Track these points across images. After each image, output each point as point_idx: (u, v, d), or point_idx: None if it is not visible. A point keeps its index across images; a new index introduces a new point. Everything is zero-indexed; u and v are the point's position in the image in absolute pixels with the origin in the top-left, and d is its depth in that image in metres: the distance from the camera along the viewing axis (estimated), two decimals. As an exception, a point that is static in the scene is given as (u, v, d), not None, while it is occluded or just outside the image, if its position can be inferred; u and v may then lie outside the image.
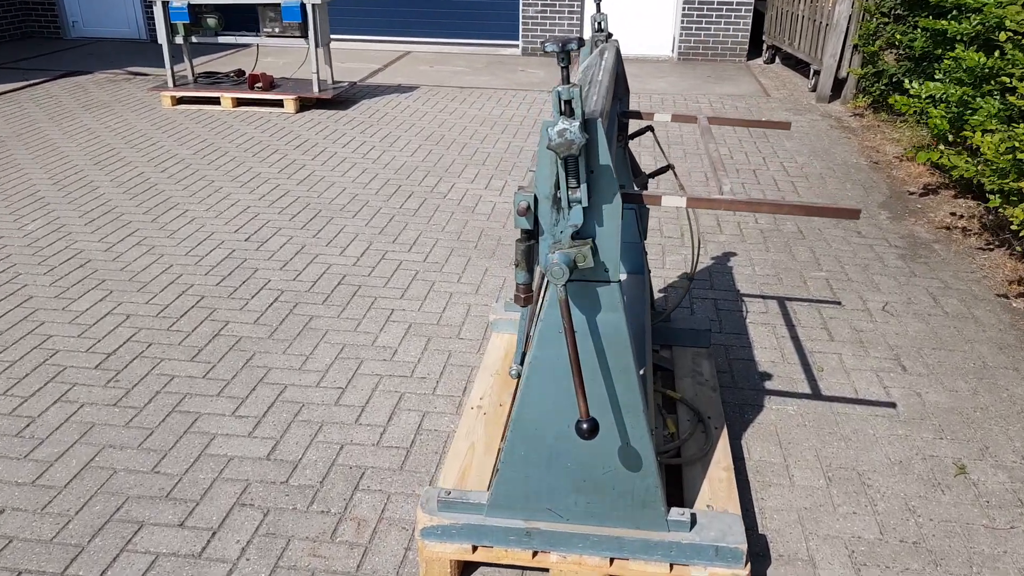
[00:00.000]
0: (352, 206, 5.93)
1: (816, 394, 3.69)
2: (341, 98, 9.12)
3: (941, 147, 5.89)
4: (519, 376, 2.44)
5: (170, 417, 3.47)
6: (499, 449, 2.96)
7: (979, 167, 5.20)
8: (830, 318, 4.39)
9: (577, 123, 1.86)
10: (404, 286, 4.69)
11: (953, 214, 5.83)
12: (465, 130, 7.94)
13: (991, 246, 5.28)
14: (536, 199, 2.08)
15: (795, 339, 4.17)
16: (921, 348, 4.10)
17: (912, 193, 6.31)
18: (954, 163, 5.56)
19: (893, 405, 3.62)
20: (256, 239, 5.33)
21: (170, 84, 8.79)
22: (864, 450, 3.31)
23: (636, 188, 3.38)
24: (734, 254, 5.19)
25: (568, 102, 1.89)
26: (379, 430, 3.39)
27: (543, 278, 2.54)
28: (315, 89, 8.59)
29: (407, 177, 6.55)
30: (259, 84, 8.73)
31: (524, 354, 2.49)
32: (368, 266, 4.95)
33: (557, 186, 2.05)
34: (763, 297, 4.61)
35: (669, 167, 3.38)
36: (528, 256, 2.14)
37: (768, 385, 3.76)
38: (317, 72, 8.52)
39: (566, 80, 1.88)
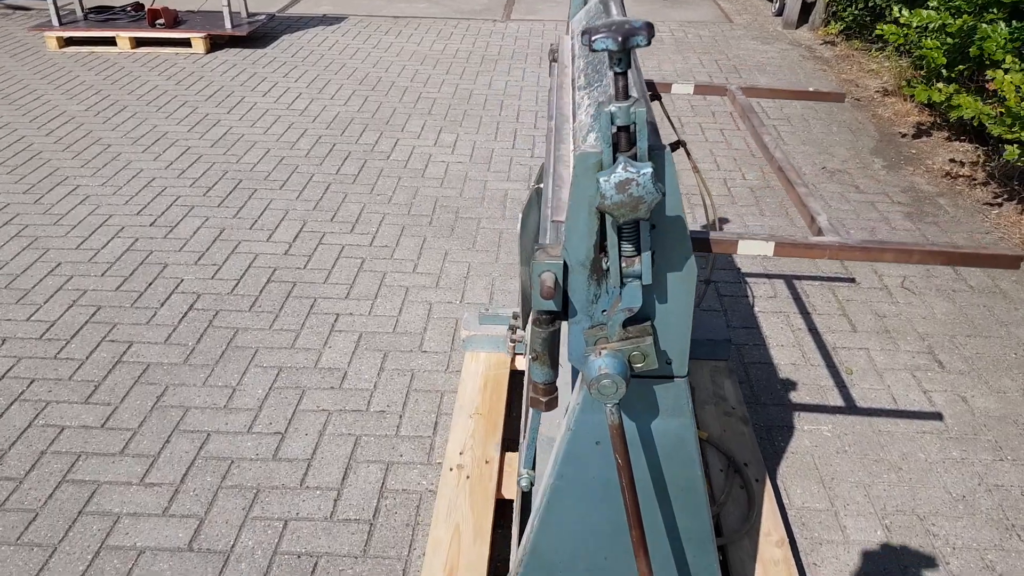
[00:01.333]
0: (279, 173, 5.04)
1: (851, 406, 3.13)
2: (258, 34, 7.99)
3: (940, 85, 5.29)
4: (530, 488, 1.76)
5: (58, 491, 2.69)
6: (492, 535, 2.30)
7: (996, 112, 4.63)
8: (846, 300, 3.82)
9: (646, 170, 1.13)
10: (348, 280, 3.92)
11: (952, 160, 5.29)
12: (404, 70, 6.99)
13: (999, 199, 4.77)
14: (565, 266, 1.36)
15: (813, 331, 3.58)
16: (954, 336, 3.57)
17: (903, 135, 5.74)
18: (957, 103, 4.98)
19: (939, 416, 3.09)
20: (164, 223, 4.43)
21: (55, 22, 7.52)
22: (920, 484, 2.77)
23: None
24: (726, 220, 4.55)
25: (626, 131, 1.16)
26: (332, 495, 2.69)
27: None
28: (227, 24, 7.46)
29: (342, 133, 5.65)
30: (161, 20, 7.55)
31: (534, 450, 1.80)
32: (303, 254, 4.14)
33: (600, 249, 1.33)
34: (767, 276, 4.00)
35: (680, 144, 2.66)
36: (552, 346, 1.44)
37: (794, 397, 3.18)
38: (228, 3, 7.38)
39: (623, 95, 1.15)
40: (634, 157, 1.18)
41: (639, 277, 1.29)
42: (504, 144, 5.50)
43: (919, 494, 2.73)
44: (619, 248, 1.26)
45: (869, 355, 3.44)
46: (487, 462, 2.58)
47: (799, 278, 3.99)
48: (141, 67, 7.00)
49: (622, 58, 1.12)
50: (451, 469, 2.55)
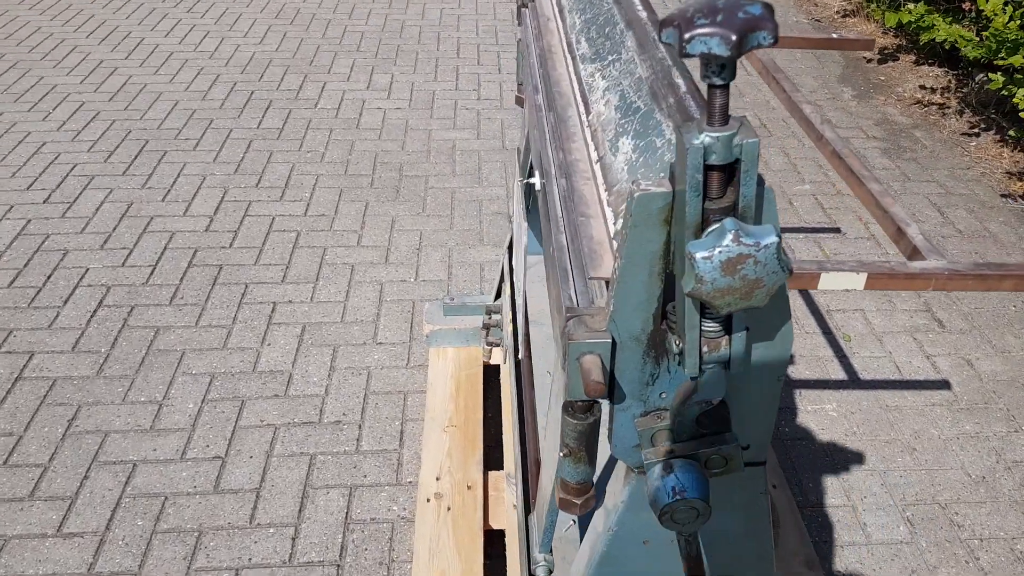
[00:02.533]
0: (191, 130, 4.42)
1: (854, 379, 2.87)
2: (154, -38, 7.08)
3: (910, 6, 4.96)
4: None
5: (-47, 557, 2.24)
6: (485, 584, 1.97)
7: (973, 35, 4.32)
8: (834, 254, 3.54)
9: (770, 239, 0.73)
10: (283, 260, 3.43)
11: (923, 87, 5.01)
12: (326, 0, 6.28)
13: (976, 130, 4.52)
14: (614, 344, 0.96)
15: (803, 291, 3.30)
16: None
17: (869, 60, 5.42)
18: (930, 24, 4.67)
19: (947, 385, 2.86)
20: (60, 199, 3.82)
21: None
22: (937, 466, 2.54)
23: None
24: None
25: (720, 171, 0.76)
26: (288, 532, 2.31)
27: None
28: (116, -47, 6.55)
29: (260, 78, 5.02)
30: (37, -51, 6.58)
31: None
32: (227, 230, 3.61)
33: (663, 319, 0.94)
34: (747, 229, 3.67)
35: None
36: (590, 440, 1.06)
37: (793, 372, 2.90)
38: (115, -71, 6.46)
39: (721, 118, 0.74)
40: (730, 210, 0.78)
41: (726, 364, 0.91)
42: (446, 85, 4.96)
43: (937, 478, 2.51)
44: (699, 323, 0.87)
45: (865, 317, 3.17)
46: (469, 487, 2.22)
47: (782, 229, 3.69)
48: (18, 5, 6.10)
49: (726, 65, 0.71)
50: (428, 500, 2.19)
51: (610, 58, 1.29)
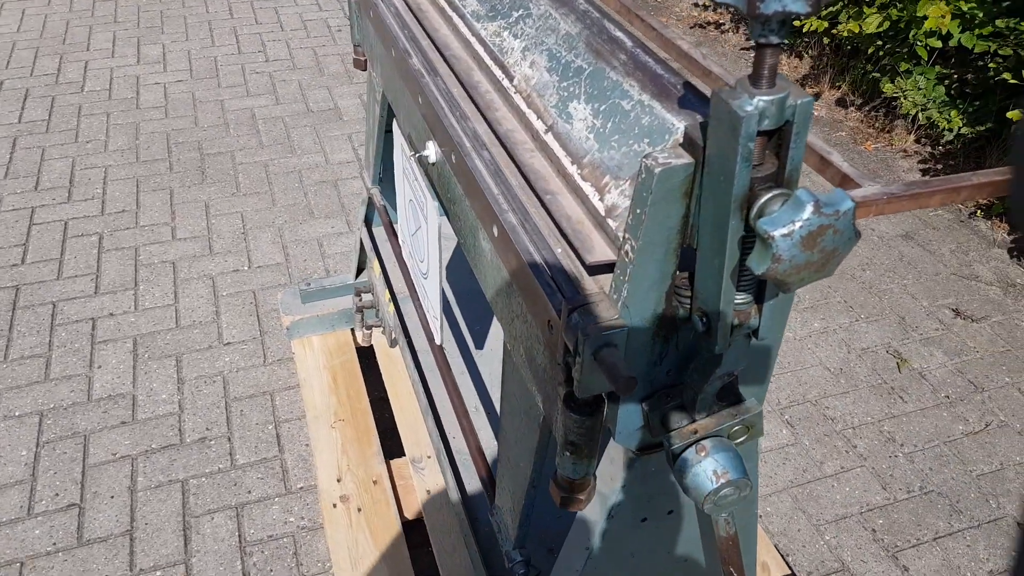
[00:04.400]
0: (-73, 131, 3.69)
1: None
2: None
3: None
4: None
5: None
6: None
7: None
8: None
9: (847, 205, 0.67)
10: (90, 269, 2.99)
11: (697, 5, 5.27)
12: (59, -38, 5.43)
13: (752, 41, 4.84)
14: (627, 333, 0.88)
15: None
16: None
17: (649, -15, 5.61)
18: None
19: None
20: None
21: None
22: (799, 366, 2.76)
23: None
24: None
25: (767, 136, 0.70)
26: (179, 571, 2.06)
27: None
28: None
29: (6, 64, 4.27)
30: None
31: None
32: (14, 244, 3.08)
33: (678, 294, 0.87)
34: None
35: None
36: (596, 435, 0.98)
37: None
38: None
39: (770, 79, 0.67)
40: (773, 177, 0.72)
41: (753, 330, 0.86)
42: (227, 50, 4.50)
43: (803, 377, 2.72)
44: (729, 293, 0.81)
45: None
46: (375, 482, 2.08)
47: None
48: None
49: (786, 23, 0.63)
50: (334, 505, 2.03)
51: (515, 14, 1.18)
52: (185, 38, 4.59)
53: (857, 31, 3.49)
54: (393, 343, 2.20)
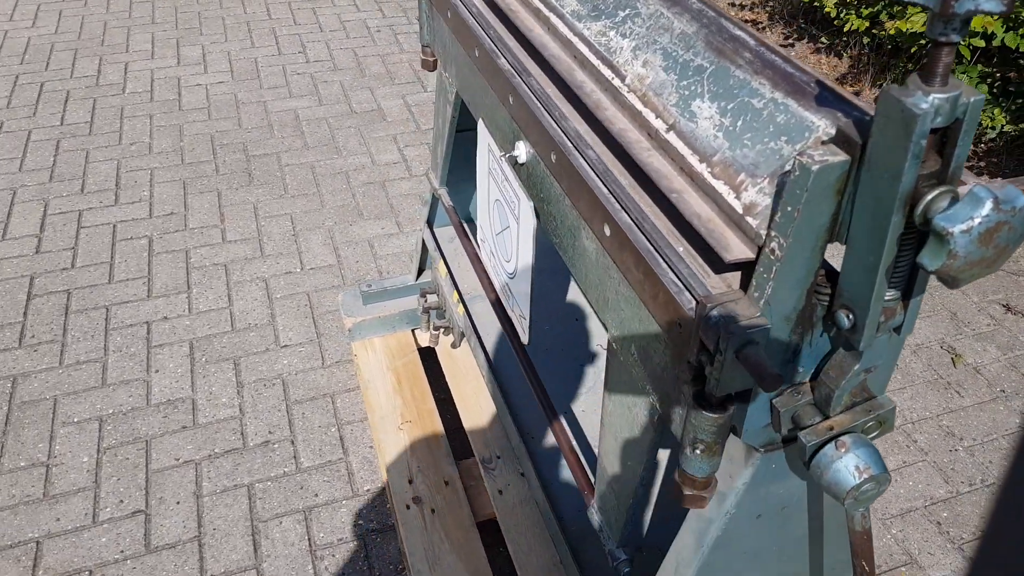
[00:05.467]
0: (-24, 138, 3.73)
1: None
2: None
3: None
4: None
5: None
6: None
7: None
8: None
9: (1021, 198, 0.67)
10: (142, 272, 3.02)
11: (732, 4, 5.26)
12: (93, -32, 5.48)
13: (791, 40, 4.83)
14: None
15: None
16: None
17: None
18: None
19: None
20: None
21: None
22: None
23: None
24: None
25: (936, 134, 0.70)
26: (252, 577, 2.07)
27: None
28: None
29: (45, 67, 4.32)
30: None
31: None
32: (63, 248, 3.11)
33: (817, 292, 0.88)
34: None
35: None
36: (725, 432, 0.98)
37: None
38: None
39: (943, 77, 0.67)
40: (939, 177, 0.72)
41: (896, 329, 0.86)
42: (267, 51, 4.53)
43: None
44: (880, 291, 0.81)
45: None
46: (447, 483, 2.09)
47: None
48: None
49: (968, 21, 0.63)
50: (407, 507, 2.04)
51: (622, 14, 1.18)
52: (224, 39, 4.62)
53: (904, 29, 3.47)
54: (458, 344, 2.21)
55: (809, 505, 1.17)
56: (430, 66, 1.97)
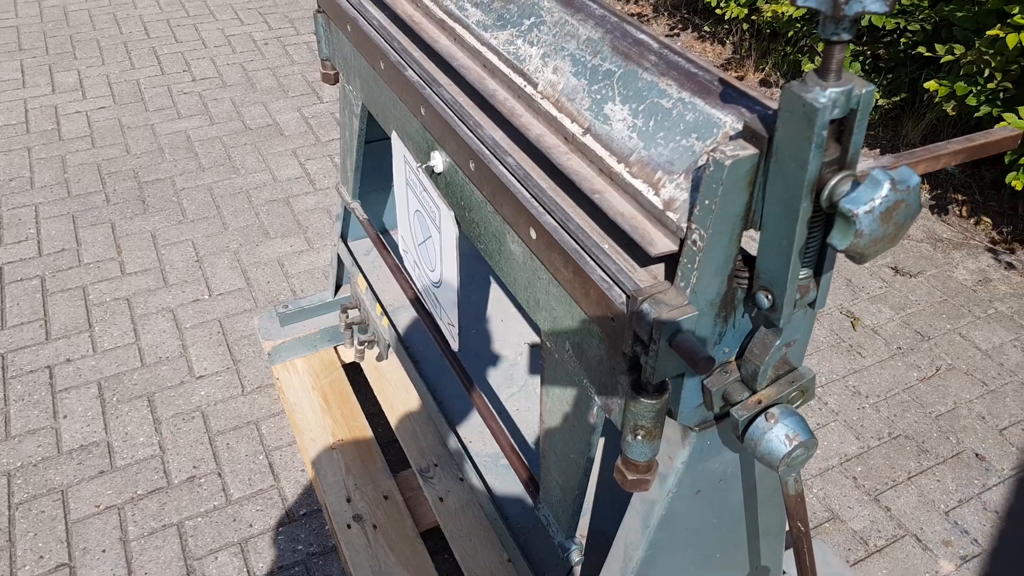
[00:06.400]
0: None
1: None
2: None
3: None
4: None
5: None
6: (448, 586, 1.89)
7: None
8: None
9: (915, 180, 0.74)
10: (38, 315, 2.86)
11: (616, -2, 5.40)
12: (-55, -5, 5.13)
13: (676, 31, 5.01)
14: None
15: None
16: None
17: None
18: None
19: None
20: None
21: None
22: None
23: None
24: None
25: (836, 125, 0.76)
26: (193, 618, 2.00)
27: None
28: None
29: (-100, 103, 4.01)
30: None
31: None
32: (-55, 297, 2.91)
33: (737, 276, 0.93)
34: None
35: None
36: (663, 416, 1.03)
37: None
38: None
39: (837, 72, 0.73)
40: (839, 163, 0.79)
41: (812, 304, 0.93)
42: (148, 71, 4.36)
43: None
44: (796, 271, 0.88)
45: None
46: (386, 497, 2.09)
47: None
48: None
49: (857, 21, 0.69)
50: (349, 526, 2.02)
51: (528, 22, 1.21)
52: (101, 62, 4.41)
53: (780, 13, 3.66)
54: (384, 356, 2.20)
55: (743, 476, 1.24)
56: (331, 80, 1.96)
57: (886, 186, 0.72)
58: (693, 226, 0.89)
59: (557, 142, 1.11)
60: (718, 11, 4.30)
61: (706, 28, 4.75)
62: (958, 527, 2.26)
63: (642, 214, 0.99)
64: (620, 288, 0.98)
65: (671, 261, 0.97)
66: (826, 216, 0.84)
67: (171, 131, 3.87)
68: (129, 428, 2.47)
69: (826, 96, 0.73)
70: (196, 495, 2.29)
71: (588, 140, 1.05)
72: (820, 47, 3.93)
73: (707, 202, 0.85)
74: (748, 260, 0.95)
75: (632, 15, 5.17)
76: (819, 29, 0.72)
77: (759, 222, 0.88)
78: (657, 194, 0.95)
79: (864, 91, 0.75)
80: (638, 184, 0.97)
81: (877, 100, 3.81)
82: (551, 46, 1.16)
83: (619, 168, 1.00)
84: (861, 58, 3.88)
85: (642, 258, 1.01)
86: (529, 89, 1.16)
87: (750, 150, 0.82)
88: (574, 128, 1.07)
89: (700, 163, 0.92)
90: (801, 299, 0.91)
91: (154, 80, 4.28)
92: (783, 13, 3.69)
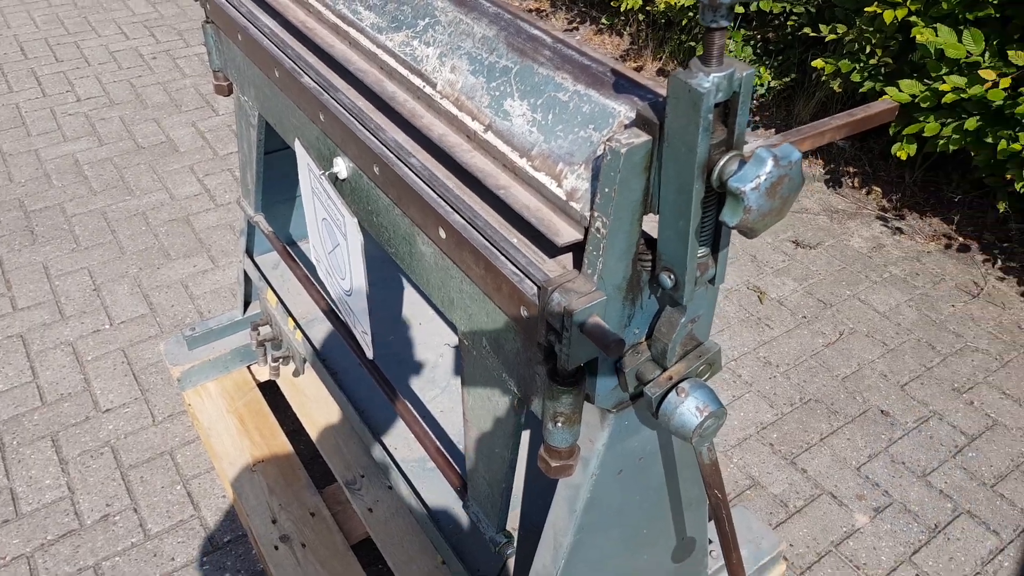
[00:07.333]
0: None
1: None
2: None
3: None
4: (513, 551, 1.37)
5: None
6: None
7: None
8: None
9: (796, 155, 0.78)
10: (-78, 359, 2.67)
11: (509, -4, 5.44)
12: None
13: (575, 24, 5.08)
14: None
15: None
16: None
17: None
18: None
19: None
20: None
21: None
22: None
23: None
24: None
25: (722, 107, 0.79)
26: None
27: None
28: None
29: None
30: None
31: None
32: None
33: (640, 259, 0.96)
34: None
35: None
36: (581, 402, 1.05)
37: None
38: None
39: (719, 57, 0.76)
40: (727, 144, 0.82)
41: (711, 280, 0.96)
42: (28, 94, 4.13)
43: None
44: (694, 250, 0.90)
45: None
46: (313, 514, 2.04)
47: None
48: None
49: (732, 8, 0.71)
50: (276, 547, 1.97)
51: (422, 23, 1.21)
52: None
53: (673, 3, 3.77)
54: (301, 371, 2.16)
55: (662, 452, 1.27)
56: (224, 91, 1.90)
57: (769, 163, 0.76)
58: (595, 214, 0.90)
59: (460, 140, 1.11)
60: (614, 3, 4.39)
61: (604, 21, 4.84)
62: (869, 481, 2.38)
63: (547, 206, 1.00)
64: (531, 280, 0.99)
65: (578, 250, 0.99)
66: (718, 195, 0.87)
67: (57, 155, 3.68)
68: (33, 471, 2.34)
69: (709, 81, 0.76)
70: (112, 534, 2.19)
71: (490, 137, 1.05)
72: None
73: (607, 190, 0.87)
74: (651, 243, 0.98)
75: (531, 11, 5.22)
76: (700, 17, 0.75)
77: (657, 206, 0.90)
78: (560, 186, 0.96)
79: (744, 74, 0.78)
80: (541, 177, 0.99)
81: (769, 82, 3.97)
82: (447, 45, 1.16)
83: (522, 162, 1.01)
84: (752, 42, 4.03)
85: (551, 249, 1.02)
86: (428, 89, 1.16)
87: (643, 137, 0.85)
88: (475, 126, 1.08)
89: (599, 153, 0.94)
90: (701, 276, 0.94)
91: (35, 103, 4.06)
92: (676, 3, 3.79)
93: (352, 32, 1.29)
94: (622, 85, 0.96)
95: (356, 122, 1.26)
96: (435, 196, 1.12)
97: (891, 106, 1.38)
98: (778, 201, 0.78)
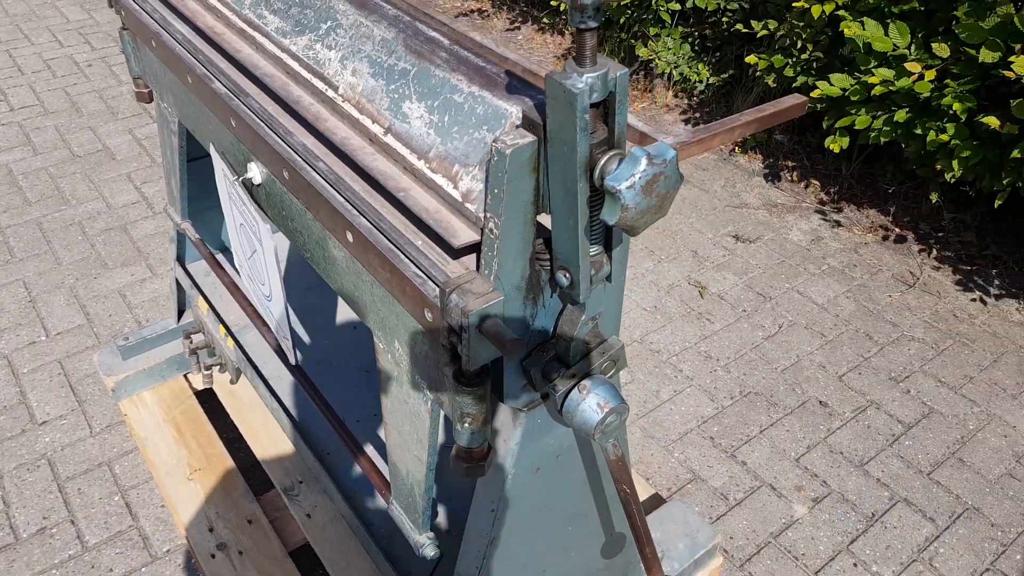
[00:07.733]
0: None
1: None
2: None
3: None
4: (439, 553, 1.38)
5: None
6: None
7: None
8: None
9: (671, 154, 0.79)
10: None
11: (456, -3, 5.44)
12: None
13: (517, 24, 5.09)
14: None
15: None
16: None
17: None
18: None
19: (592, 245, 3.33)
20: None
21: None
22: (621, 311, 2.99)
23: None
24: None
25: (597, 107, 0.81)
26: None
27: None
28: None
29: None
30: None
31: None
32: None
33: (538, 259, 0.97)
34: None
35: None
36: (486, 402, 1.06)
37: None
38: None
39: (592, 58, 0.77)
40: (608, 143, 0.83)
41: (607, 278, 0.98)
42: (-43, 103, 4.02)
43: (625, 321, 2.94)
44: (585, 250, 0.92)
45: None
46: (250, 522, 2.03)
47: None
48: None
49: (600, 9, 0.73)
50: (212, 555, 1.95)
51: (324, 26, 1.21)
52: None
53: (611, 2, 3.80)
54: (235, 379, 2.14)
55: (580, 448, 1.29)
56: (145, 98, 1.88)
57: (643, 161, 0.77)
58: (488, 215, 0.91)
59: (363, 143, 1.12)
60: (554, 3, 4.42)
61: (545, 20, 4.86)
62: (808, 472, 2.43)
63: (446, 208, 1.01)
64: (433, 282, 0.99)
65: (480, 250, 1.00)
66: (603, 194, 0.89)
67: (-13, 164, 3.59)
68: (-36, 488, 2.28)
69: (583, 81, 0.77)
70: (48, 547, 2.14)
71: (390, 140, 1.06)
72: (651, 30, 4.12)
73: (496, 191, 0.88)
74: (549, 242, 0.99)
75: (472, 11, 5.23)
76: (569, 19, 0.76)
77: (548, 205, 0.91)
78: (456, 187, 0.97)
79: (619, 74, 0.79)
80: (438, 179, 0.99)
81: (708, 78, 4.03)
82: (348, 48, 1.16)
83: (420, 165, 1.02)
84: (690, 39, 4.09)
85: (451, 251, 1.03)
86: (331, 93, 1.16)
87: (528, 138, 0.86)
88: (376, 129, 1.08)
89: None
90: (596, 274, 0.95)
91: (-40, 112, 3.95)
92: (613, 2, 3.83)
93: (258, 36, 1.29)
94: (515, 86, 0.97)
95: (265, 127, 1.25)
96: (341, 200, 1.12)
97: (799, 101, 1.42)
98: (655, 199, 0.80)
